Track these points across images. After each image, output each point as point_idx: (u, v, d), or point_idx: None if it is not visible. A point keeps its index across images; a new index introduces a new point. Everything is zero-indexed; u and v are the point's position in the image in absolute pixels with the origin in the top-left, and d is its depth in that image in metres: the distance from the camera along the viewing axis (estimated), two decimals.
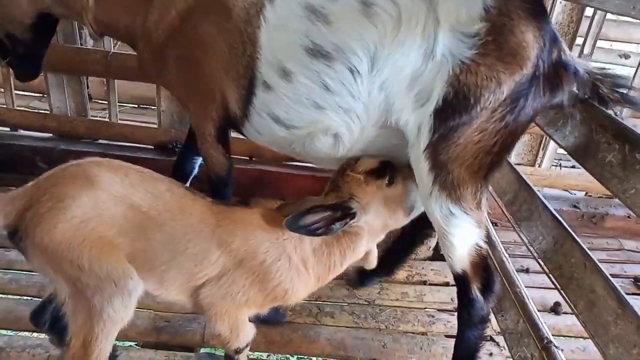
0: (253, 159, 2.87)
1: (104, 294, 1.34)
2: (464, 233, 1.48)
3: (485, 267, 1.59)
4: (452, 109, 1.32)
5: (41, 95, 3.80)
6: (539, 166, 3.08)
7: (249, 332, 1.59)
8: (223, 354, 1.76)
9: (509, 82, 1.29)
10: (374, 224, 1.58)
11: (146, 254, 1.42)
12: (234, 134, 2.98)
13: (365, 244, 1.62)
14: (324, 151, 1.62)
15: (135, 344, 2.05)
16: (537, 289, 2.38)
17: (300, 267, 1.54)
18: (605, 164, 1.29)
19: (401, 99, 1.40)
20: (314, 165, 2.85)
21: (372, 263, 1.76)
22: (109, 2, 1.82)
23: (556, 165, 3.46)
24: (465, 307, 1.62)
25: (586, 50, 2.86)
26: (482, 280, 1.59)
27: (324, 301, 2.19)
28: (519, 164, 3.05)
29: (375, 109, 1.45)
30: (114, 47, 2.77)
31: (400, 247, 2.21)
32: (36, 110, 3.10)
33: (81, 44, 2.92)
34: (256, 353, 2.06)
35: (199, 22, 1.63)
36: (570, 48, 2.68)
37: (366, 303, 2.21)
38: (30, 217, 1.33)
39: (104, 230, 1.35)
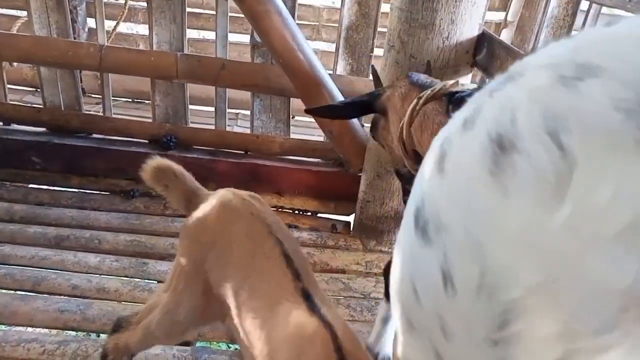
0: (248, 152, 2.86)
1: None
2: None
3: None
4: None
5: (34, 89, 3.77)
6: None
7: None
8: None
9: None
10: None
11: None
12: (228, 128, 2.98)
13: None
14: None
15: None
16: None
17: None
18: None
19: None
20: (309, 160, 2.86)
21: None
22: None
23: None
24: None
25: None
26: None
27: None
28: None
29: None
30: (108, 40, 2.75)
31: None
32: (29, 105, 3.08)
33: (74, 38, 2.90)
34: None
35: None
36: None
37: (362, 296, 2.22)
38: None
39: None
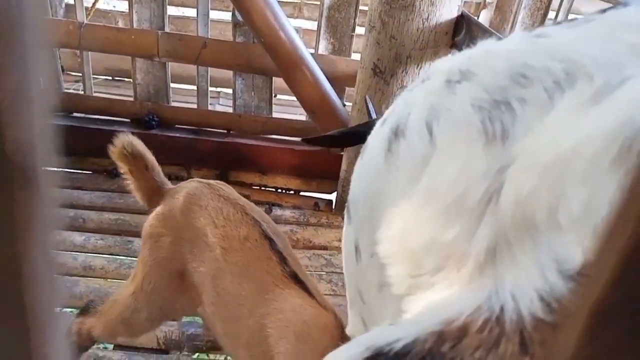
0: (231, 132, 2.88)
1: None
2: None
3: None
4: None
5: None
6: None
7: None
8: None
9: None
10: None
11: None
12: (210, 107, 2.99)
13: None
14: None
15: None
16: None
17: None
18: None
19: None
20: (292, 139, 2.89)
21: None
22: None
23: None
24: None
25: None
26: None
27: None
28: None
29: None
30: (86, 18, 2.72)
31: None
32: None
33: (52, 15, 2.86)
34: None
35: None
36: (542, 23, 2.74)
37: (343, 272, 2.29)
38: None
39: None
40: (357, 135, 1.66)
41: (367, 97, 2.02)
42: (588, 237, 0.35)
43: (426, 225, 0.44)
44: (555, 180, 0.38)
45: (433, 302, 0.43)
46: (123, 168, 1.45)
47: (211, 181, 1.41)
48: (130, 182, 1.47)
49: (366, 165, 0.55)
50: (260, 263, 1.22)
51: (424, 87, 0.52)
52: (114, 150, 1.44)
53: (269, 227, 1.30)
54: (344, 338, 1.06)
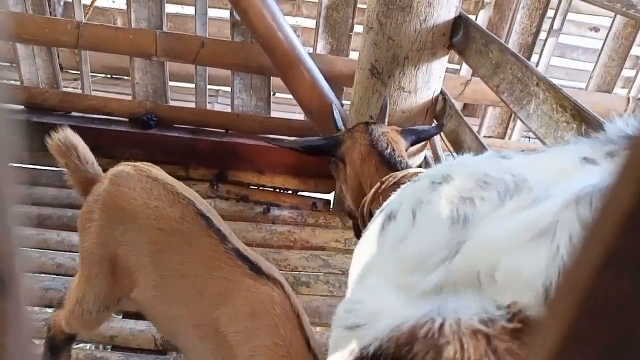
0: (229, 132, 2.88)
1: None
2: None
3: None
4: None
5: (10, 64, 3.70)
6: (509, 139, 3.18)
7: None
8: None
9: None
10: None
11: None
12: (209, 106, 2.99)
13: None
14: None
15: (116, 315, 2.10)
16: None
17: None
18: (564, 142, 1.36)
19: None
20: (290, 139, 2.89)
21: None
22: None
23: (525, 137, 3.56)
24: None
25: (556, 25, 2.92)
26: None
27: (300, 271, 2.27)
28: (490, 137, 3.14)
29: None
30: (85, 17, 2.72)
31: None
32: (6, 82, 3.03)
33: (50, 13, 2.85)
34: None
35: None
36: (541, 22, 2.73)
37: (340, 272, 2.30)
38: None
39: None
40: (322, 150, 1.67)
41: (333, 105, 2.03)
42: (514, 290, 0.53)
43: (401, 270, 0.67)
44: (495, 253, 0.57)
45: (394, 306, 0.62)
46: (61, 162, 1.47)
47: (138, 163, 1.40)
48: (68, 176, 1.47)
49: (366, 238, 0.81)
50: (202, 242, 1.22)
51: (414, 187, 0.78)
52: (51, 145, 1.44)
53: (203, 205, 1.30)
54: (294, 309, 1.11)
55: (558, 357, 0.23)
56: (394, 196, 0.81)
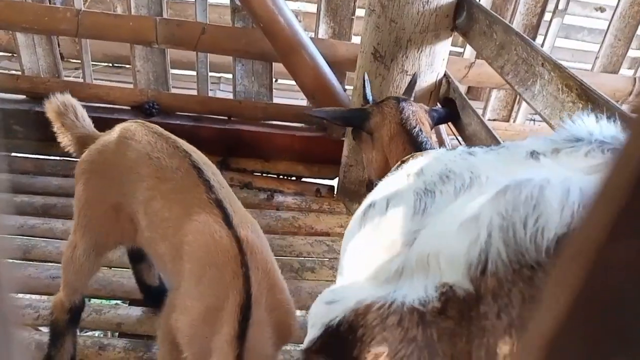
0: (232, 118, 2.87)
1: None
2: None
3: None
4: None
5: (11, 55, 3.69)
6: (514, 121, 3.15)
7: None
8: None
9: None
10: None
11: None
12: (210, 92, 2.97)
13: None
14: None
15: (122, 302, 2.12)
16: None
17: None
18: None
19: None
20: (292, 125, 2.88)
21: None
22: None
23: (530, 120, 3.53)
24: None
25: (561, 5, 2.88)
26: None
27: (304, 257, 2.27)
28: (494, 120, 3.12)
29: None
30: (84, 4, 2.69)
31: None
32: (8, 72, 3.03)
33: (50, 2, 2.83)
34: None
35: None
36: (546, 2, 2.69)
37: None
38: None
39: None
40: (350, 121, 1.67)
41: (365, 75, 2.01)
42: (446, 270, 0.68)
43: (373, 254, 0.84)
44: (441, 240, 0.69)
45: (364, 289, 0.79)
46: (56, 124, 1.55)
47: (144, 121, 1.50)
48: (63, 137, 1.55)
49: (352, 222, 1.00)
50: (188, 190, 1.31)
51: (393, 177, 0.95)
52: (49, 107, 1.55)
53: (199, 158, 1.39)
54: (244, 266, 1.16)
55: (567, 319, 0.22)
56: (379, 184, 0.95)
